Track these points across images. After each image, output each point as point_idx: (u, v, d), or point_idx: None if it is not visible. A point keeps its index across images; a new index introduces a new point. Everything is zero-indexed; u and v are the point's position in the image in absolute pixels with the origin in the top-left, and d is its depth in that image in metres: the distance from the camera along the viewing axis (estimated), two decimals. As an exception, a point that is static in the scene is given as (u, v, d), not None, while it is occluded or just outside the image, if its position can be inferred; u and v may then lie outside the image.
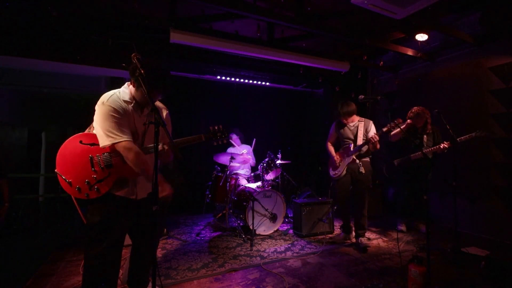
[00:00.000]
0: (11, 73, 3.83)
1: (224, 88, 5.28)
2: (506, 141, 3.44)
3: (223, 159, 4.00)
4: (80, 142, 1.63)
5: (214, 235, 3.68)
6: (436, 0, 2.57)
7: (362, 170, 3.21)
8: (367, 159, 3.31)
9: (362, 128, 3.28)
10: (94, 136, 1.63)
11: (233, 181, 3.91)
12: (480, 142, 3.62)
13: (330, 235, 3.64)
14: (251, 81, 5.21)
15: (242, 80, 5.14)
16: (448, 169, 3.64)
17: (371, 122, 3.33)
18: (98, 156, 1.63)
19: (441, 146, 3.17)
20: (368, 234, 3.64)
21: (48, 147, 5.90)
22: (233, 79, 5.03)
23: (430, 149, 3.32)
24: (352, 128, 3.31)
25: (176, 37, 3.06)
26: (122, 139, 1.57)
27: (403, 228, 3.73)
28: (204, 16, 3.33)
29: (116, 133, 1.56)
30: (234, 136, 4.44)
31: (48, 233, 3.69)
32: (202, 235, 3.65)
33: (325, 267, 2.71)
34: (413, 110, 3.49)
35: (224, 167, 4.05)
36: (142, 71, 1.49)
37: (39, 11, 2.98)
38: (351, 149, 3.26)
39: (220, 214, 4.01)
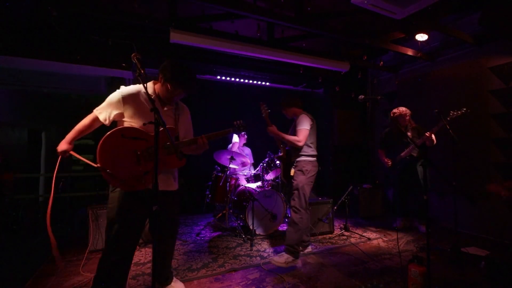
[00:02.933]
0: (11, 73, 3.83)
1: (224, 88, 5.27)
2: (506, 141, 3.44)
3: (223, 158, 4.00)
4: (122, 136, 1.66)
5: (214, 235, 3.68)
6: (436, 0, 2.57)
7: (291, 172, 2.86)
8: (304, 158, 2.85)
9: (293, 126, 2.94)
10: (135, 129, 1.71)
11: (233, 181, 3.91)
12: (480, 142, 3.63)
13: (330, 235, 3.64)
14: (251, 81, 5.21)
15: (242, 80, 5.14)
16: (448, 169, 3.66)
17: (300, 116, 2.89)
18: (143, 150, 1.71)
19: (428, 136, 3.25)
20: (368, 234, 3.64)
21: (48, 147, 5.90)
22: (233, 79, 5.03)
23: (417, 142, 3.38)
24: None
25: (176, 37, 3.06)
26: (96, 111, 1.78)
27: (399, 225, 3.78)
28: (204, 16, 3.33)
29: (102, 108, 1.77)
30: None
31: (48, 233, 3.68)
32: (202, 235, 3.65)
33: (325, 267, 2.71)
34: (395, 112, 3.65)
35: (224, 167, 4.05)
36: (142, 71, 1.51)
37: (39, 11, 2.98)
38: (280, 149, 3.07)
39: (220, 214, 4.01)
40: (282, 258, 2.68)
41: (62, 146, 1.75)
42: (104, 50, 3.48)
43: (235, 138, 4.41)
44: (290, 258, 2.67)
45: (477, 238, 3.49)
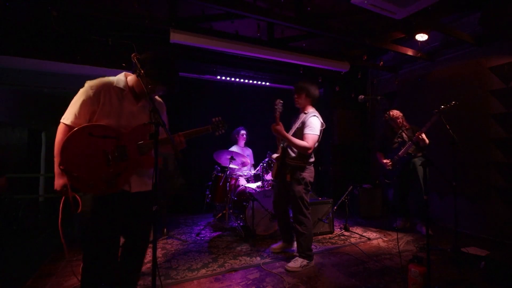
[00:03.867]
0: (11, 73, 3.83)
1: (224, 88, 5.27)
2: (506, 141, 3.44)
3: (223, 158, 4.00)
4: (90, 134, 1.51)
5: (214, 235, 3.68)
6: (436, 0, 2.57)
7: (287, 177, 2.66)
8: (302, 165, 2.65)
9: (299, 122, 2.70)
10: (104, 127, 1.57)
11: (233, 181, 3.91)
12: (480, 142, 3.63)
13: (330, 235, 3.64)
14: (251, 81, 5.20)
15: (242, 80, 5.13)
16: (448, 169, 3.66)
17: (312, 116, 2.64)
18: (113, 150, 1.57)
19: (417, 135, 3.29)
20: (368, 234, 3.64)
21: (48, 147, 5.89)
22: (233, 79, 5.03)
23: (412, 140, 3.39)
24: (298, 118, 2.69)
25: (176, 37, 3.06)
26: (62, 120, 1.57)
27: (399, 225, 3.80)
28: (204, 16, 3.33)
29: (68, 113, 1.57)
30: (243, 131, 4.49)
31: (48, 233, 3.69)
32: (202, 235, 3.65)
33: (325, 267, 2.71)
34: (386, 115, 3.74)
35: (224, 167, 4.05)
36: (142, 71, 1.50)
37: (39, 11, 2.98)
38: (279, 148, 2.79)
39: (220, 214, 4.01)
40: (297, 263, 2.64)
41: (58, 181, 1.52)
42: (104, 50, 3.48)
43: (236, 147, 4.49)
44: (305, 262, 2.66)
45: (477, 238, 3.49)
